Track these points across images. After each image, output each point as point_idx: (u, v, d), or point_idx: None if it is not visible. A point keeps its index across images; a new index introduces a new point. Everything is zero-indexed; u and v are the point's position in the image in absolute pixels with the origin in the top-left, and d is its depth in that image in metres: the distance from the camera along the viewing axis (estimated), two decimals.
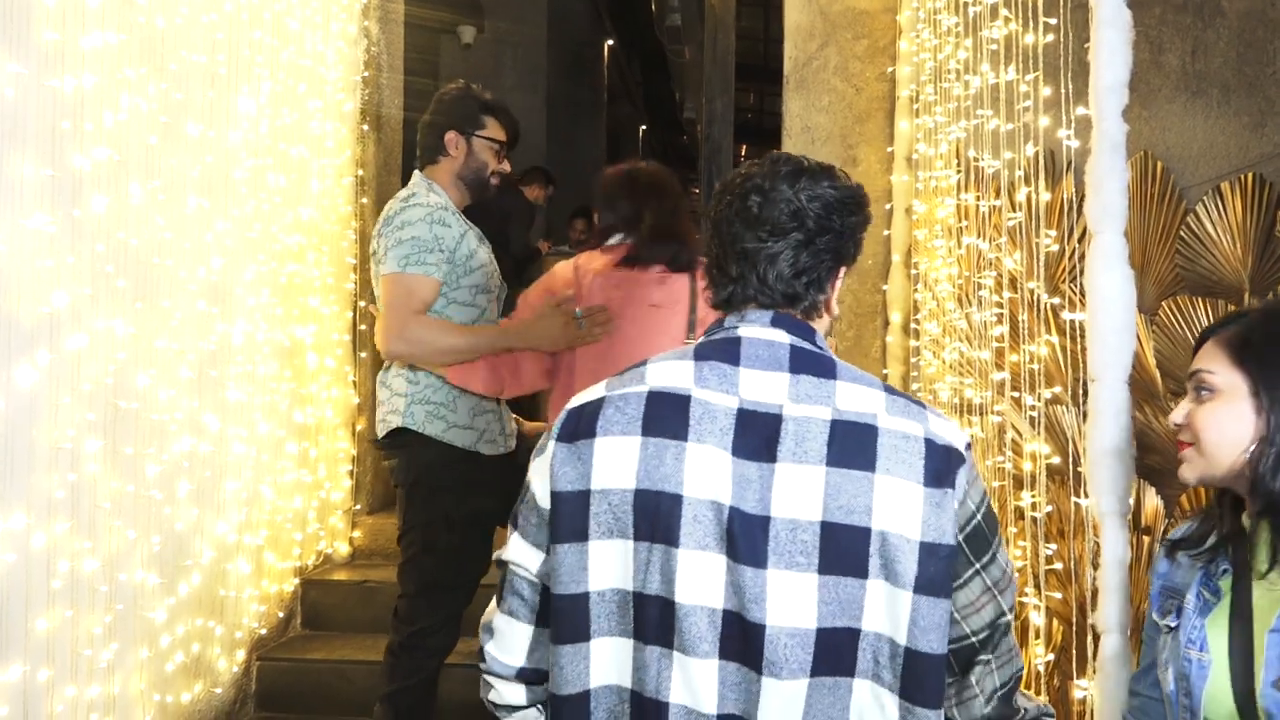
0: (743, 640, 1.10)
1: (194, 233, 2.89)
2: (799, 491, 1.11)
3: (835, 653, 1.10)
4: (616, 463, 1.15)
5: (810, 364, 1.18)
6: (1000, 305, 2.86)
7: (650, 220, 2.57)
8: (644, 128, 16.22)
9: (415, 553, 2.57)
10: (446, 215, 2.50)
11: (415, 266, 2.43)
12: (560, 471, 1.17)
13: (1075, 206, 3.19)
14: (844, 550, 1.09)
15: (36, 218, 2.22)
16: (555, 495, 1.18)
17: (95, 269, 2.44)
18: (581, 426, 1.18)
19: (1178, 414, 1.29)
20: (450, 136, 2.59)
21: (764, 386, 1.16)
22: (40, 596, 2.27)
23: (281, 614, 3.57)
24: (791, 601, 1.09)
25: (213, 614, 3.06)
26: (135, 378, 2.60)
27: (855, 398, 1.15)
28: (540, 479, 1.21)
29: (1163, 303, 3.66)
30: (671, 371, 1.19)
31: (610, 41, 12.16)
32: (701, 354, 1.20)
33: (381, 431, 2.60)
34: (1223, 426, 1.22)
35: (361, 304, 4.02)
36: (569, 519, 1.16)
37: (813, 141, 3.94)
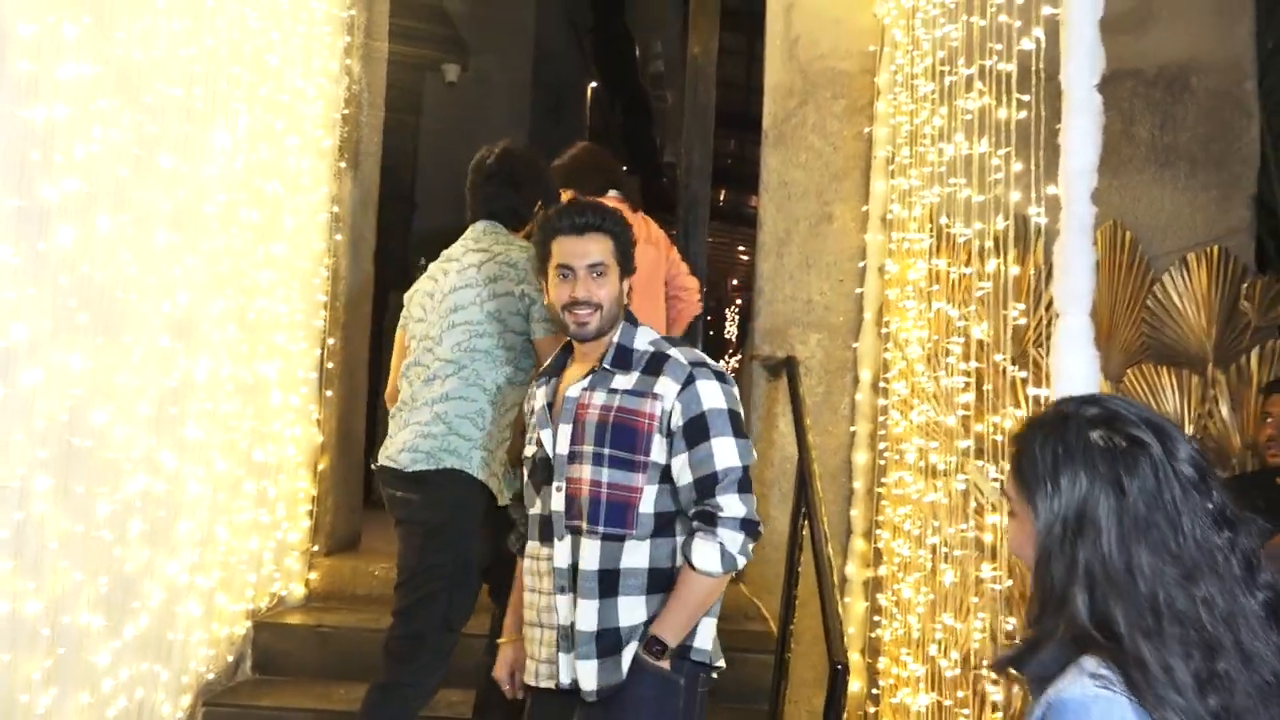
0: None
1: (161, 267, 2.85)
2: None
3: None
4: None
5: None
6: (968, 373, 2.88)
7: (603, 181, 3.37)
8: (624, 169, 16.32)
9: (434, 590, 2.59)
10: None
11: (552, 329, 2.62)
12: None
13: (1045, 275, 3.22)
14: None
15: (0, 249, 2.19)
16: None
17: (56, 302, 2.39)
18: None
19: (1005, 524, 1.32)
20: (538, 208, 2.79)
21: None
22: None
23: (231, 658, 3.49)
24: None
25: (159, 658, 2.97)
26: (91, 414, 2.55)
27: None
28: None
29: (1128, 370, 3.70)
30: None
31: (594, 84, 12.27)
32: None
33: (420, 465, 2.61)
34: (1019, 541, 1.24)
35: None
36: None
37: (789, 196, 3.97)
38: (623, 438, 2.01)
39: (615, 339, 2.10)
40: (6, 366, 2.24)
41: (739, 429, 2.03)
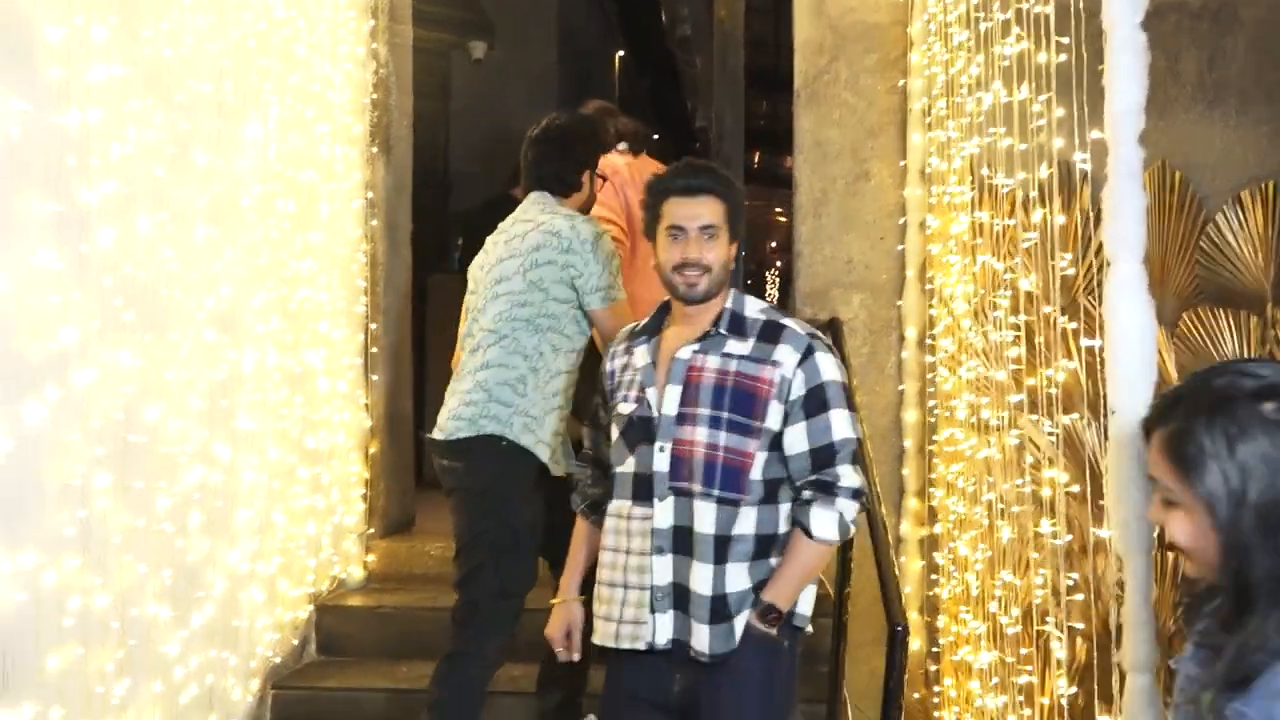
0: None
1: (202, 262, 2.88)
2: None
3: None
4: None
5: None
6: (1017, 326, 2.82)
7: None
8: (655, 137, 16.22)
9: (484, 558, 2.63)
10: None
11: (621, 292, 2.69)
12: None
13: (1092, 221, 3.14)
14: None
15: (43, 254, 2.22)
16: None
17: (103, 303, 2.43)
18: None
19: (1154, 514, 1.24)
20: (587, 176, 2.76)
21: None
22: (51, 635, 2.25)
23: (296, 641, 3.56)
24: None
25: (226, 644, 3.04)
26: (145, 410, 2.59)
27: None
28: None
29: (1183, 314, 3.60)
30: None
31: (620, 52, 12.16)
32: None
33: (463, 432, 2.65)
34: (1191, 535, 1.15)
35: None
36: None
37: (824, 156, 3.90)
38: (742, 402, 2.02)
39: (728, 305, 2.10)
40: (61, 368, 2.28)
41: (851, 402, 2.07)
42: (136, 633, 2.56)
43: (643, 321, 2.25)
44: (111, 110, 2.44)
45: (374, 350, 4.06)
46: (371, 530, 4.09)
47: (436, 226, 6.44)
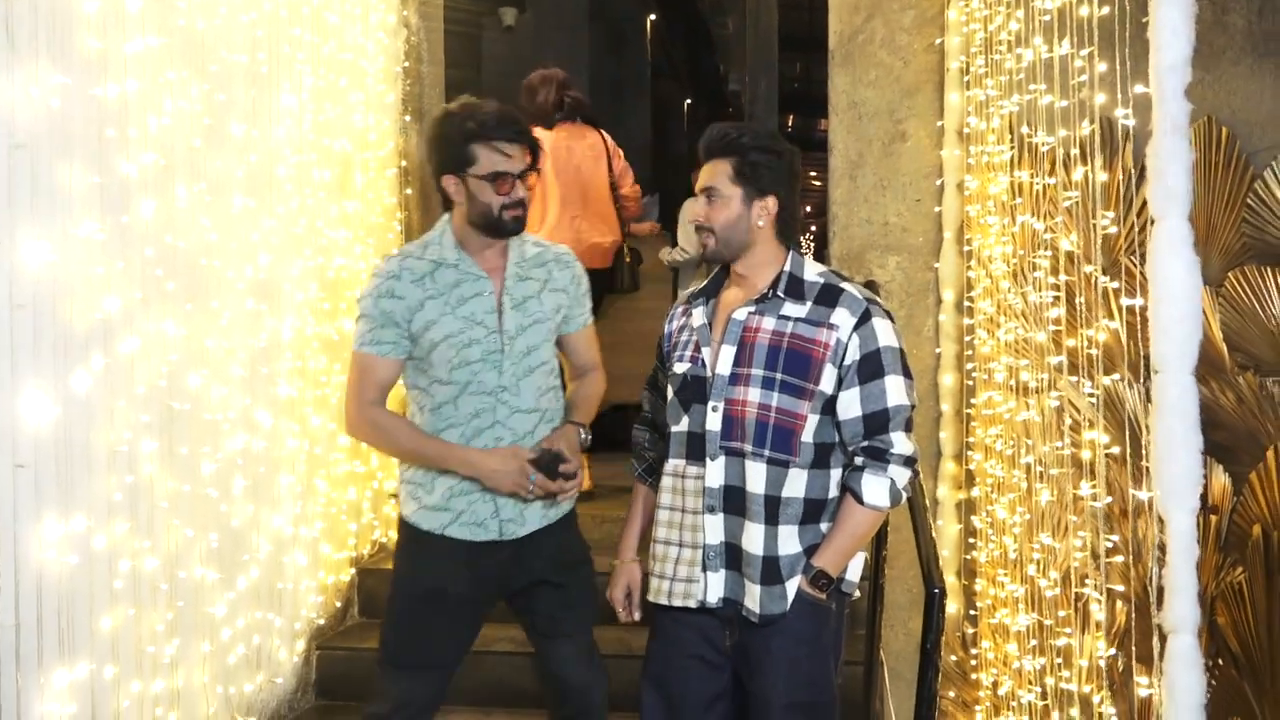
0: None
1: (240, 232, 2.91)
2: None
3: None
4: None
5: None
6: (1057, 286, 2.78)
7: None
8: (688, 102, 16.07)
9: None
10: (398, 285, 2.23)
11: (370, 346, 2.26)
12: None
13: (1135, 179, 3.08)
14: None
15: (86, 225, 2.25)
16: None
17: (145, 273, 2.47)
18: None
19: None
20: (447, 182, 2.26)
21: None
22: (103, 596, 2.32)
23: (339, 603, 3.63)
24: None
25: (271, 606, 3.11)
26: (188, 378, 2.64)
27: None
28: None
29: (1229, 273, 3.53)
30: None
31: (652, 16, 12.04)
32: None
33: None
34: None
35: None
36: None
37: (860, 117, 3.85)
38: (796, 364, 2.02)
39: (786, 267, 2.11)
40: (106, 337, 2.33)
41: (907, 369, 2.05)
42: (184, 594, 2.63)
43: (703, 283, 2.27)
44: (148, 82, 2.46)
45: None
46: None
47: None
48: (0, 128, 2.02)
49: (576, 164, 4.07)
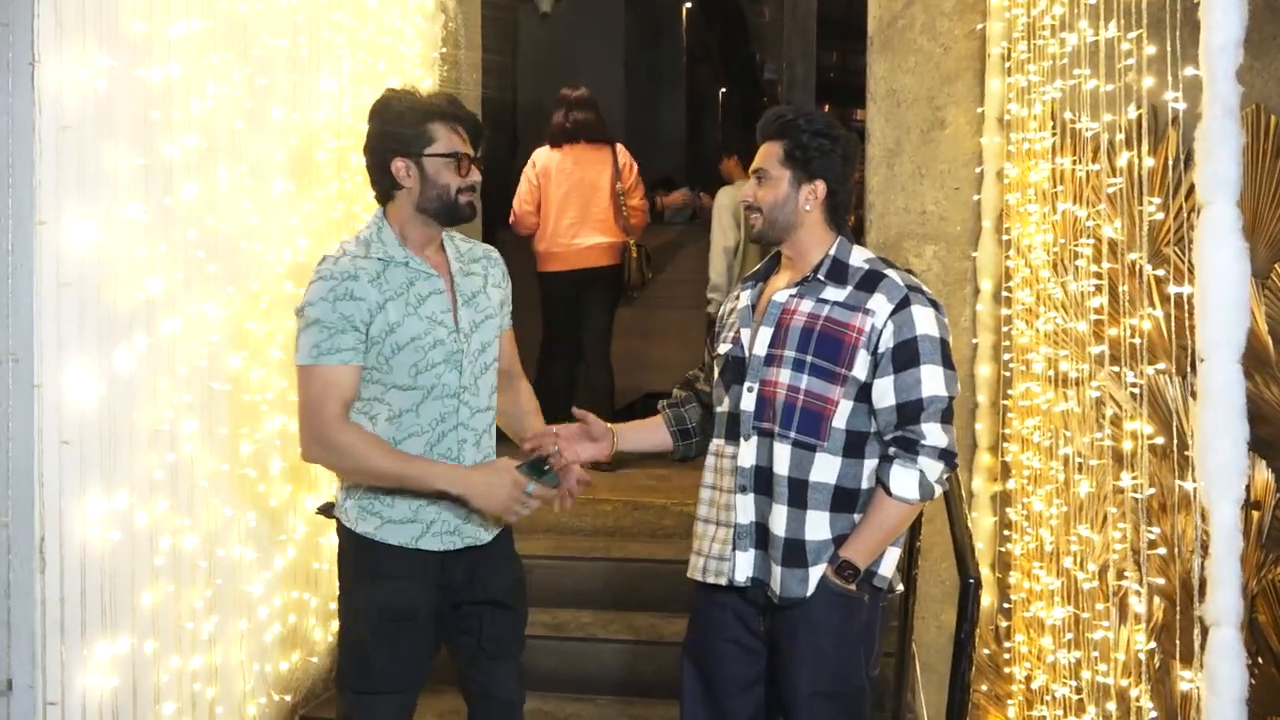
0: None
1: (280, 215, 2.94)
2: None
3: None
4: None
5: None
6: (1099, 275, 2.74)
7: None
8: (723, 90, 15.98)
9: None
10: (356, 285, 2.07)
11: (329, 356, 2.03)
12: None
13: (1182, 163, 3.02)
14: None
15: (130, 207, 2.29)
16: None
17: (187, 255, 2.50)
18: None
19: None
20: (398, 165, 2.13)
21: None
22: (145, 572, 2.36)
23: None
24: None
25: (307, 586, 3.15)
26: (228, 360, 2.67)
27: None
28: None
29: (1275, 265, 3.45)
30: None
31: (688, 4, 11.98)
32: None
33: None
34: None
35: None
36: None
37: (898, 104, 3.81)
38: (827, 347, 2.01)
39: (831, 252, 2.10)
40: (149, 318, 2.37)
41: (948, 358, 2.01)
42: (223, 572, 2.67)
43: (757, 267, 2.28)
44: (191, 65, 2.49)
45: None
46: None
47: (505, 180, 6.46)
48: (48, 109, 2.05)
49: (578, 179, 4.53)
